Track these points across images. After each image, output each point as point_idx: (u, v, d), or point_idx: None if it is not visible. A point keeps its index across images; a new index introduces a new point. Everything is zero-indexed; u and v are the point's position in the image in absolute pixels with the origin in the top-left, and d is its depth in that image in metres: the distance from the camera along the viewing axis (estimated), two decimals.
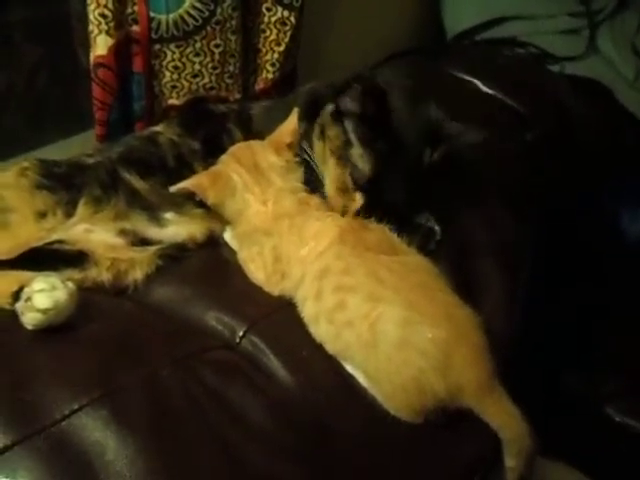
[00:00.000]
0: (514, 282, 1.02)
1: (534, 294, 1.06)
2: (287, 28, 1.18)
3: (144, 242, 0.88)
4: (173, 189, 0.85)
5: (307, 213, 0.85)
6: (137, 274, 0.84)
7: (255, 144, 0.91)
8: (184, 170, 0.92)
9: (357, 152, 0.90)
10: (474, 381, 0.72)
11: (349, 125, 0.91)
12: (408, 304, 0.73)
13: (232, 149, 0.91)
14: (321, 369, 0.76)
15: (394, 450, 0.73)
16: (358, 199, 0.90)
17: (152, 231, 0.89)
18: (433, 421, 0.72)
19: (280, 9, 1.16)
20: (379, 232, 0.83)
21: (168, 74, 1.12)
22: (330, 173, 0.92)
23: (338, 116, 0.92)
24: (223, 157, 0.89)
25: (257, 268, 0.84)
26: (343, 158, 0.91)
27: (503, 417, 0.72)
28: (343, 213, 0.89)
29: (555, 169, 1.29)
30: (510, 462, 0.72)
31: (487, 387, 0.72)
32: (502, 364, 0.74)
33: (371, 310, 0.73)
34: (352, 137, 0.91)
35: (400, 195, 0.91)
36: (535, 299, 1.06)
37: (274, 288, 0.83)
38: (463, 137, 0.97)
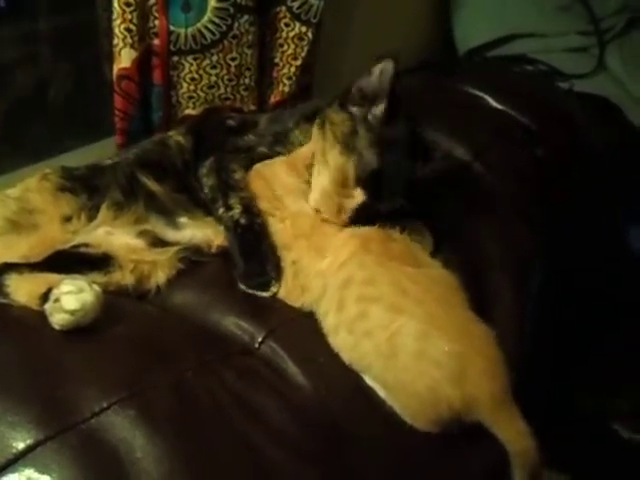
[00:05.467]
0: (526, 297, 1.03)
1: (545, 310, 1.07)
2: (304, 43, 1.20)
3: (163, 243, 0.89)
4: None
5: (323, 230, 0.85)
6: (159, 277, 0.85)
7: (266, 170, 0.92)
8: (190, 175, 0.94)
9: (364, 141, 0.87)
10: (488, 393, 0.72)
11: (359, 111, 0.88)
12: (428, 317, 0.74)
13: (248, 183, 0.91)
14: (338, 376, 0.77)
15: (409, 459, 0.74)
16: (358, 195, 0.86)
17: (169, 233, 0.91)
18: (448, 432, 0.73)
19: (298, 25, 1.19)
20: (403, 243, 0.84)
21: (185, 85, 1.15)
22: (331, 163, 0.87)
23: (344, 104, 0.90)
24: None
25: None
26: (349, 147, 0.87)
27: (512, 431, 0.73)
28: (337, 212, 0.85)
29: (565, 184, 1.31)
30: (516, 476, 0.73)
31: (500, 400, 0.73)
32: (513, 379, 0.75)
33: (391, 322, 0.74)
34: (361, 125, 0.87)
35: (395, 204, 0.88)
36: (546, 315, 1.07)
37: (294, 302, 0.84)
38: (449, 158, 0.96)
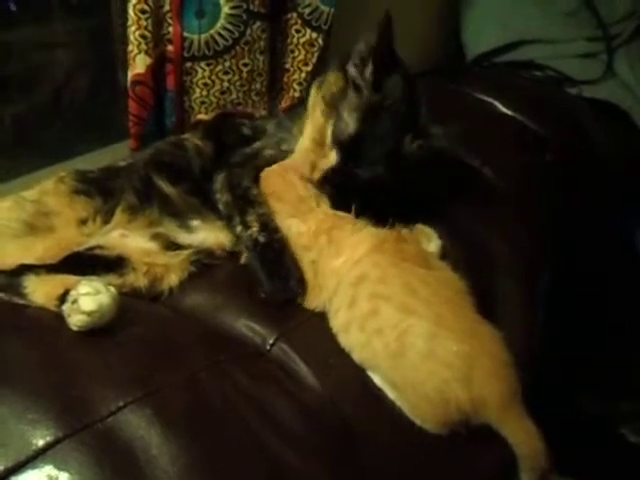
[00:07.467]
0: (533, 300, 1.04)
1: (551, 312, 1.08)
2: (315, 49, 1.22)
3: (176, 246, 0.90)
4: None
5: (342, 227, 0.86)
6: (172, 280, 0.86)
7: (287, 168, 0.91)
8: (207, 180, 0.95)
9: (348, 104, 0.87)
10: (497, 395, 0.73)
11: (354, 72, 0.89)
12: (437, 318, 0.75)
13: (268, 188, 0.91)
14: (348, 377, 0.78)
15: (418, 460, 0.74)
16: (331, 157, 0.87)
17: (182, 236, 0.91)
18: (456, 434, 0.74)
19: (309, 31, 1.21)
20: (415, 245, 0.86)
21: (198, 90, 1.16)
22: (312, 121, 0.89)
23: (344, 64, 0.90)
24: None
25: None
26: (331, 107, 0.88)
27: (521, 433, 0.73)
28: (311, 170, 0.86)
29: (573, 189, 1.31)
30: (524, 478, 0.73)
31: (509, 402, 0.74)
32: (521, 382, 0.75)
33: (401, 321, 0.75)
34: (351, 87, 0.88)
35: (375, 173, 0.87)
36: (552, 317, 1.08)
37: (312, 301, 0.84)
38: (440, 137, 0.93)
